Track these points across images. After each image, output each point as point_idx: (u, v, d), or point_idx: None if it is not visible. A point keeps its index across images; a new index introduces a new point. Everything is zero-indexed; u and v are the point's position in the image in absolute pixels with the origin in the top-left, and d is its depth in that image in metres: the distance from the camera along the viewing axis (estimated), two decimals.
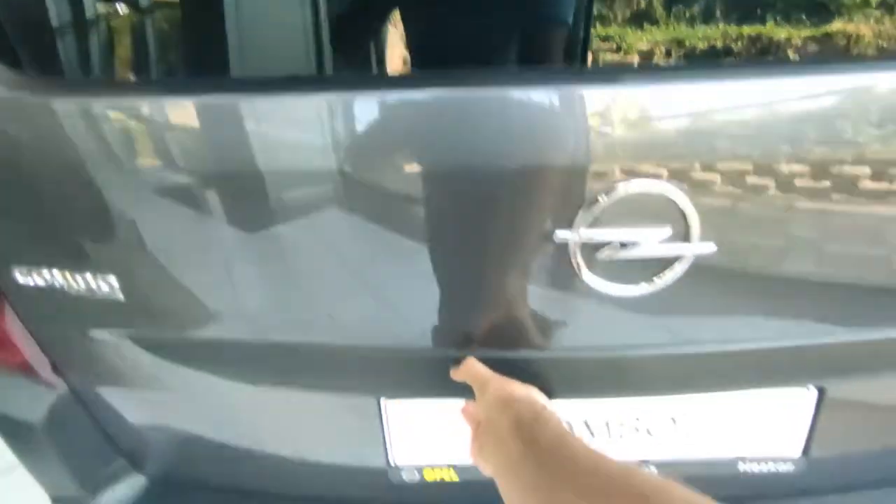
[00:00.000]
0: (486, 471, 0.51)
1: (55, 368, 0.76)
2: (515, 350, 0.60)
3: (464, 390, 0.61)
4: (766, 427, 0.67)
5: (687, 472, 0.69)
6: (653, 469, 0.70)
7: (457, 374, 0.60)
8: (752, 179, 0.49)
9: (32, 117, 0.53)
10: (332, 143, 0.50)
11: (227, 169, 0.53)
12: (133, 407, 0.80)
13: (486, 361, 0.61)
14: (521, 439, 0.45)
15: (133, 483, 0.89)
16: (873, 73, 0.47)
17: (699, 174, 0.49)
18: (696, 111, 0.48)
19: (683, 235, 0.50)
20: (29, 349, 0.73)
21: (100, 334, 0.69)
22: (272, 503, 0.84)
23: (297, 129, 0.51)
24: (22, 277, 0.64)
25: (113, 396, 0.79)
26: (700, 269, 0.52)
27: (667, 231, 0.50)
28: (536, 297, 0.56)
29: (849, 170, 0.49)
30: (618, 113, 0.48)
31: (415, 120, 0.50)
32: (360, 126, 0.51)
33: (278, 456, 0.78)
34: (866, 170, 0.49)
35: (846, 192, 0.50)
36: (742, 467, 0.70)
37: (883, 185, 0.49)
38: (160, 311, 0.65)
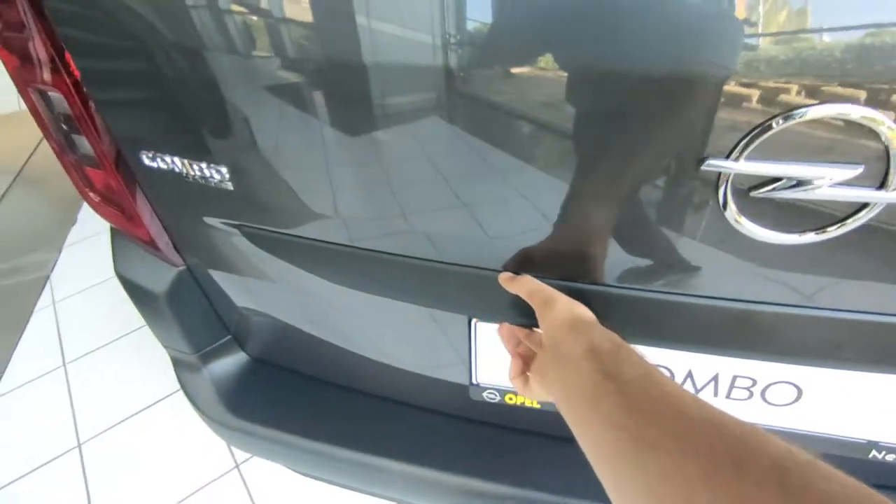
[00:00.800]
0: (547, 397, 0.46)
1: (176, 248, 0.82)
2: (626, 288, 0.54)
3: None
4: None
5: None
6: None
7: (512, 287, 0.54)
8: None
9: (165, 8, 0.52)
10: (444, 36, 0.44)
11: (342, 70, 0.49)
12: (240, 292, 0.85)
13: (588, 294, 0.56)
14: (600, 370, 0.39)
15: (237, 358, 0.98)
16: None
17: None
18: None
19: (879, 178, 0.40)
20: (153, 227, 0.78)
21: (211, 222, 0.72)
22: (356, 399, 0.89)
23: (413, 24, 0.45)
24: (148, 161, 0.67)
25: (223, 280, 0.84)
26: (887, 221, 0.42)
27: (856, 171, 0.40)
28: (665, 236, 0.49)
29: None
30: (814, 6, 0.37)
31: (541, 11, 0.42)
32: (480, 16, 0.44)
33: (368, 358, 0.80)
34: None
35: None
36: (875, 454, 0.61)
37: None
38: (267, 207, 0.66)
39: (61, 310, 2.06)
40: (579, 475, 0.74)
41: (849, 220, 0.42)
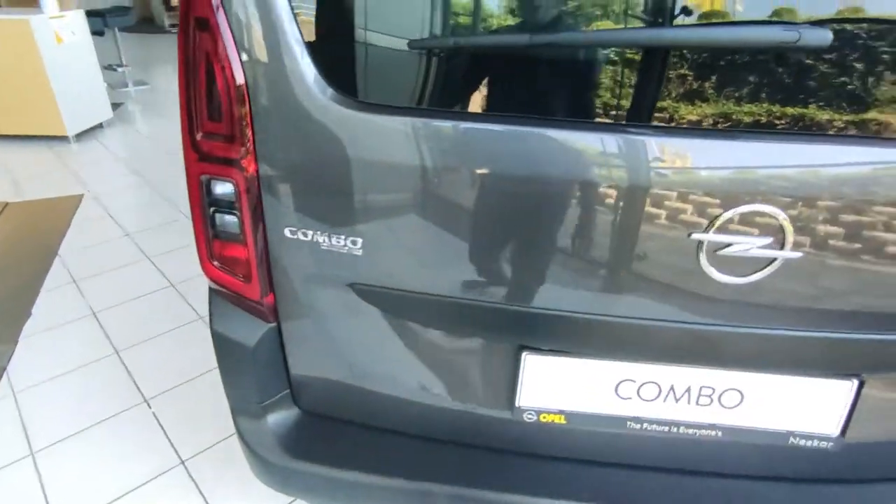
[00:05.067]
0: None
1: (276, 308, 1.02)
2: (639, 318, 0.85)
3: (597, 350, 0.86)
4: (812, 407, 0.90)
5: (745, 440, 0.92)
6: (718, 434, 0.93)
7: None
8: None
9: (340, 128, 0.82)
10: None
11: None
12: (307, 351, 1.05)
13: (615, 324, 0.85)
14: None
15: (292, 411, 1.13)
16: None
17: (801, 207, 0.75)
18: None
19: (780, 244, 0.76)
20: (263, 288, 0.99)
21: (330, 280, 0.95)
22: (404, 442, 1.08)
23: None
24: (290, 234, 0.91)
25: (300, 338, 1.04)
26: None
27: (768, 241, 0.76)
28: (662, 282, 0.82)
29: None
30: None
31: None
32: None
33: (413, 400, 1.02)
34: None
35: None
36: (792, 441, 0.92)
37: None
38: (388, 269, 0.91)
39: (23, 400, 1.98)
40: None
41: (766, 267, 0.77)
